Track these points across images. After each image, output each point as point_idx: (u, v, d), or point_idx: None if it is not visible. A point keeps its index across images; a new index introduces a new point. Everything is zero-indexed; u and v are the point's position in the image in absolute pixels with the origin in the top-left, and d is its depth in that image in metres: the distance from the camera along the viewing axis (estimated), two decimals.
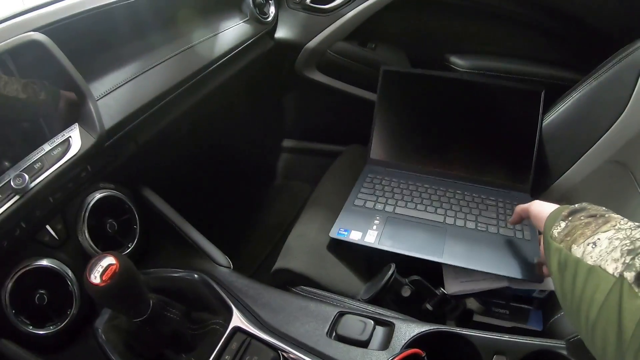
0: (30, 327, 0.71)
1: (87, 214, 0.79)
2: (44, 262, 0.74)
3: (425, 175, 1.21)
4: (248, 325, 0.70)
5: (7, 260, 0.70)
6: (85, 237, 0.79)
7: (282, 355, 0.66)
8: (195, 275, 0.80)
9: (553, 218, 0.69)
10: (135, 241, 0.86)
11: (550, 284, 0.90)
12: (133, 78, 0.87)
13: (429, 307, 0.89)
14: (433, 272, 0.96)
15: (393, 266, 0.89)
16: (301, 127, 1.69)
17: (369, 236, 1.00)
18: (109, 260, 0.59)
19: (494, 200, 1.12)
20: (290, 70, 1.44)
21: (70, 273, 0.76)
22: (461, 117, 1.22)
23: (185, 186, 1.01)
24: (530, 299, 0.96)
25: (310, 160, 1.69)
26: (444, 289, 0.91)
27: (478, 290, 0.94)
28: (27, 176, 0.66)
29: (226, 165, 1.39)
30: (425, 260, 0.95)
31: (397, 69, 1.25)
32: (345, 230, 1.01)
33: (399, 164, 1.24)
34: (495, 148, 1.19)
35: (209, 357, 0.65)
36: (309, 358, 0.67)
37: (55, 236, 0.78)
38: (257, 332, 0.69)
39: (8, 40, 0.68)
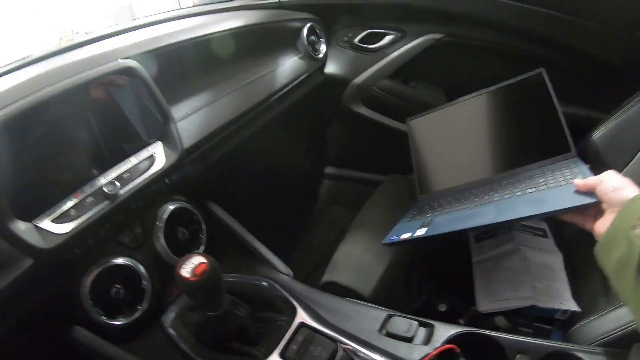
0: (104, 318, 0.80)
1: (163, 221, 0.91)
2: (123, 261, 0.84)
3: (469, 188, 1.19)
4: (311, 321, 0.80)
5: (91, 256, 0.81)
6: (160, 242, 0.90)
7: (341, 346, 0.75)
8: (264, 281, 0.90)
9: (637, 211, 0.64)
10: (202, 249, 0.97)
11: (572, 305, 0.97)
12: (206, 106, 1.00)
13: (461, 322, 0.97)
14: (466, 292, 1.05)
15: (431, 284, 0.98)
16: (343, 156, 1.78)
17: (419, 232, 1.00)
18: (200, 259, 0.70)
19: (542, 171, 1.08)
20: (337, 103, 1.56)
21: (144, 272, 0.86)
22: (485, 127, 1.25)
23: (240, 203, 1.12)
24: (553, 320, 1.01)
25: (350, 187, 1.78)
26: (476, 307, 1.00)
27: (507, 309, 1.01)
28: (118, 184, 0.79)
29: (275, 187, 1.50)
30: (461, 273, 1.04)
31: (419, 116, 1.34)
32: (396, 236, 1.03)
33: (444, 190, 1.25)
34: (527, 135, 1.20)
35: (277, 347, 0.75)
36: (364, 349, 0.76)
37: (134, 239, 0.89)
38: (319, 327, 0.79)
39: (106, 65, 0.81)
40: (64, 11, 7.08)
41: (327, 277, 1.07)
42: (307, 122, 1.61)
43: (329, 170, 1.82)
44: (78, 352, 0.81)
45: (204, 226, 0.98)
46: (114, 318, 0.82)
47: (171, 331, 0.83)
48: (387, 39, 1.51)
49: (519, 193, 0.98)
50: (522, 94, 1.21)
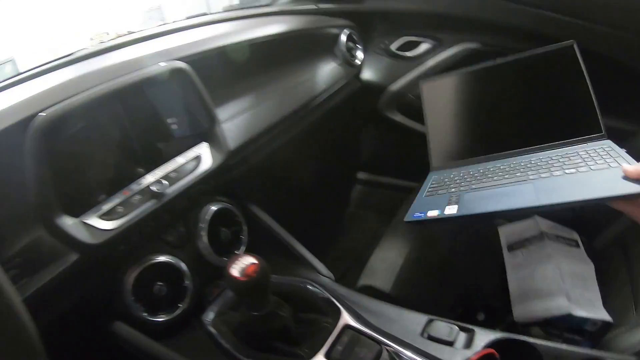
0: (145, 314, 0.82)
1: (207, 221, 0.92)
2: (166, 258, 0.86)
3: (494, 160, 1.11)
4: (355, 323, 0.80)
5: (135, 253, 0.83)
6: (203, 242, 0.91)
7: (385, 348, 0.76)
8: (306, 283, 0.92)
9: None
10: (242, 249, 0.99)
11: (605, 316, 0.96)
12: (248, 109, 1.02)
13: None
14: (503, 302, 1.05)
15: (467, 294, 0.98)
16: (375, 162, 1.79)
17: (449, 209, 0.90)
18: (251, 259, 0.71)
19: (574, 151, 1.03)
20: (372, 109, 1.57)
21: (186, 270, 0.88)
22: (508, 97, 1.18)
23: (277, 205, 1.13)
24: (583, 331, 1.01)
25: (382, 193, 1.78)
26: (512, 316, 1.00)
27: (543, 318, 1.01)
28: (166, 183, 0.80)
29: (309, 191, 1.51)
30: (495, 282, 1.02)
31: (436, 79, 1.25)
32: (420, 213, 0.93)
33: (464, 161, 1.15)
34: (555, 110, 1.12)
35: (322, 348, 0.76)
36: (407, 351, 0.77)
37: (178, 238, 0.91)
38: (364, 329, 0.80)
39: (158, 66, 0.84)
40: (94, 12, 7.20)
41: (363, 281, 1.08)
42: (342, 127, 1.62)
43: (361, 175, 1.83)
44: (118, 346, 0.82)
45: (245, 227, 0.99)
46: (155, 315, 0.83)
47: (212, 329, 0.84)
48: (423, 47, 1.52)
49: (557, 173, 0.92)
50: (550, 65, 1.15)
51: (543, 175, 0.93)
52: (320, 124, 1.31)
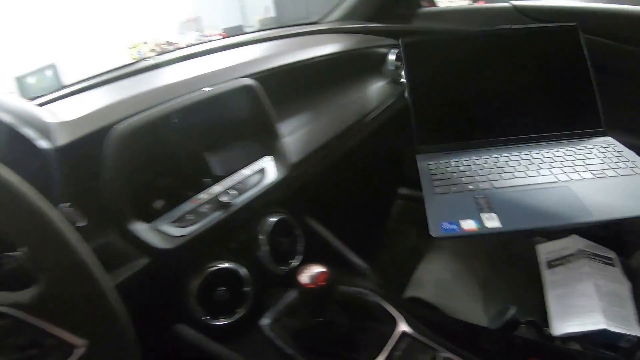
0: (206, 318, 0.86)
1: (267, 232, 0.96)
2: (229, 265, 0.89)
3: (492, 147, 1.06)
4: (411, 331, 0.84)
5: (201, 259, 0.87)
6: (264, 251, 0.95)
7: (440, 355, 0.79)
8: (363, 292, 0.95)
9: None
10: (299, 259, 1.02)
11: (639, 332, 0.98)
12: (304, 126, 1.07)
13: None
14: (541, 317, 1.07)
15: (514, 308, 1.00)
16: (417, 178, 1.80)
17: (489, 221, 0.81)
18: (320, 269, 0.76)
19: (584, 149, 1.02)
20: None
21: (247, 277, 0.91)
22: (507, 75, 1.11)
23: (326, 218, 1.17)
24: (617, 347, 1.01)
25: (422, 208, 1.78)
26: (549, 330, 1.03)
27: (579, 333, 1.02)
28: (234, 193, 0.85)
29: (354, 205, 1.55)
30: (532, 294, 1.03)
31: (420, 38, 1.15)
32: (450, 224, 0.82)
33: (456, 144, 1.09)
34: (553, 98, 1.09)
35: (380, 354, 0.79)
36: (458, 358, 0.80)
37: (240, 246, 0.95)
38: (419, 336, 0.83)
39: (230, 83, 0.90)
40: (131, 22, 7.36)
41: (410, 293, 1.11)
42: (387, 144, 1.65)
43: (402, 191, 1.85)
44: (179, 347, 0.86)
45: (301, 238, 1.03)
46: (215, 319, 0.87)
47: (271, 334, 0.88)
48: None
49: (586, 175, 0.92)
50: (551, 47, 1.11)
51: (572, 177, 0.93)
52: (367, 140, 1.34)
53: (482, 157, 1.03)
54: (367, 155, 1.53)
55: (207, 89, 0.86)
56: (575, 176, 0.93)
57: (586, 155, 1.01)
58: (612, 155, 1.00)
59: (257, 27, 8.04)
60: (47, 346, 0.45)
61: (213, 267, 0.87)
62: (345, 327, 0.84)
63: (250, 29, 8.10)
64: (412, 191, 1.83)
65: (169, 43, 7.44)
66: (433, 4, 1.74)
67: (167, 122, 0.80)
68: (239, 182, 0.89)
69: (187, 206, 0.82)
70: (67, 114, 0.78)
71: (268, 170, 0.93)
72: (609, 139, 1.05)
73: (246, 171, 0.91)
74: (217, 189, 0.86)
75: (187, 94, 0.85)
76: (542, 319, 1.07)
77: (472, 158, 1.03)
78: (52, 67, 6.69)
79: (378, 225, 1.81)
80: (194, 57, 1.17)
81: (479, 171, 0.98)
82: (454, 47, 1.15)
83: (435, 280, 1.15)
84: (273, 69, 1.05)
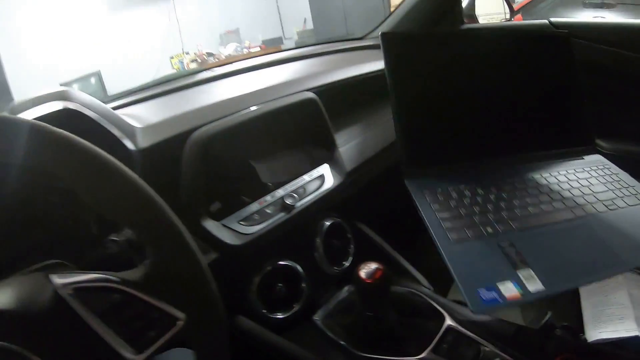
0: (265, 311, 0.93)
1: (323, 234, 1.04)
2: (288, 263, 0.97)
3: (486, 168, 1.00)
4: (457, 326, 0.90)
5: (263, 256, 0.95)
6: (319, 251, 1.02)
7: (484, 349, 0.85)
8: (411, 291, 1.01)
9: None
10: (350, 259, 1.09)
11: None
12: (357, 137, 1.14)
13: None
14: (577, 323, 1.11)
15: (549, 314, 1.05)
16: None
17: (530, 282, 0.75)
18: (377, 266, 0.82)
19: (583, 172, 1.00)
20: None
21: (304, 275, 0.99)
22: (492, 85, 1.03)
23: (375, 223, 1.23)
24: None
25: None
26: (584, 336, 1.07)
27: (613, 339, 1.06)
28: (296, 197, 0.93)
29: (398, 211, 1.61)
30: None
31: (403, 32, 1.10)
32: (488, 290, 0.72)
33: (447, 166, 0.99)
34: (542, 111, 1.04)
35: (429, 345, 0.86)
36: (500, 351, 0.86)
37: (298, 245, 1.01)
38: (464, 331, 0.89)
39: (295, 96, 0.99)
40: (173, 33, 7.54)
41: (452, 296, 1.17)
42: None
43: None
44: (237, 338, 0.92)
45: (352, 240, 1.10)
46: (273, 312, 0.94)
47: (324, 328, 0.94)
48: None
49: (600, 209, 0.91)
50: (541, 54, 1.05)
51: (587, 209, 0.91)
52: None
53: (482, 182, 0.95)
54: None
55: (274, 101, 0.95)
56: (589, 208, 0.91)
57: (589, 180, 0.99)
58: (612, 180, 1.00)
59: (296, 39, 8.16)
60: (153, 319, 0.52)
61: (273, 264, 0.95)
62: (395, 322, 0.90)
63: (289, 40, 8.22)
64: None
65: (210, 54, 7.62)
66: (475, 21, 1.79)
67: (239, 130, 0.88)
68: (300, 187, 0.96)
69: (254, 207, 0.90)
70: (146, 118, 0.88)
71: (326, 176, 1.01)
72: (599, 157, 1.05)
73: (306, 177, 0.99)
74: (280, 192, 0.94)
75: (256, 104, 0.93)
76: (577, 325, 1.12)
77: (472, 184, 0.94)
78: (97, 74, 6.91)
79: (423, 232, 1.85)
80: (252, 70, 1.26)
81: (488, 204, 0.89)
82: (440, 47, 1.03)
83: None
84: (332, 83, 1.13)
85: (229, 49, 7.75)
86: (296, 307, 0.97)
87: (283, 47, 8.08)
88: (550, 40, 1.08)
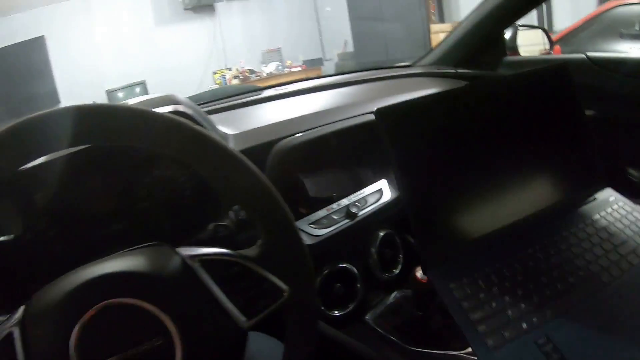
0: (323, 308, 1.03)
1: (377, 243, 1.13)
2: (347, 265, 1.07)
3: (505, 242, 0.89)
4: None
5: (327, 257, 1.04)
6: (374, 258, 1.12)
7: None
8: None
9: None
10: (399, 268, 1.20)
11: None
12: None
13: None
14: None
15: None
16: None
17: None
18: None
19: (600, 218, 0.93)
20: None
21: (359, 277, 1.08)
22: (497, 142, 0.93)
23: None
24: None
25: None
26: None
27: None
28: (360, 206, 1.04)
29: None
30: None
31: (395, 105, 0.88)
32: None
33: (469, 244, 0.88)
34: (552, 160, 0.98)
35: (467, 347, 0.92)
36: None
37: (356, 250, 1.12)
38: None
39: (360, 117, 1.11)
40: (217, 48, 7.75)
41: None
42: None
43: None
44: None
45: (402, 251, 1.20)
46: (330, 310, 1.04)
47: (375, 326, 1.05)
48: None
49: (613, 269, 0.81)
50: (541, 96, 0.98)
51: (614, 273, 0.82)
52: None
53: (505, 258, 0.85)
54: None
55: (343, 121, 1.08)
56: (616, 272, 0.82)
57: (608, 229, 0.91)
58: (623, 218, 0.94)
59: (336, 61, 8.31)
60: (263, 290, 0.62)
61: (334, 265, 1.05)
62: (440, 322, 1.00)
63: (329, 62, 8.37)
64: None
65: (252, 71, 7.83)
66: (517, 53, 1.89)
67: (315, 144, 1.01)
68: (362, 198, 1.08)
69: (322, 212, 1.02)
70: (234, 126, 1.02)
71: (384, 190, 1.12)
72: (610, 191, 1.00)
73: (367, 190, 1.11)
74: (345, 201, 1.05)
75: (327, 122, 1.06)
76: None
77: (495, 263, 0.84)
78: (142, 84, 7.16)
79: None
80: (315, 91, 1.38)
81: (517, 289, 0.79)
82: (440, 111, 0.90)
83: None
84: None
85: (270, 67, 7.96)
86: (351, 307, 1.07)
87: (323, 68, 8.25)
88: (551, 79, 1.00)
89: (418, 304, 0.99)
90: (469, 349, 0.92)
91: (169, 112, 0.82)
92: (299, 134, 0.99)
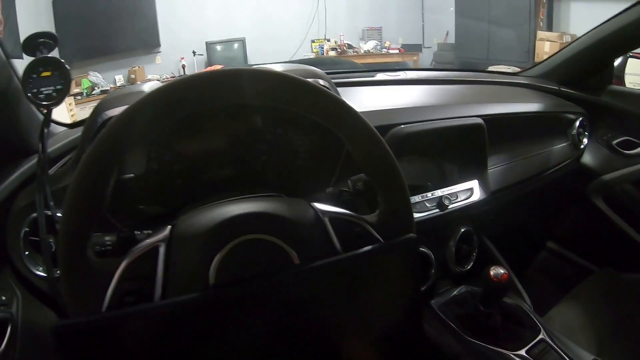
0: None
1: (456, 239, 1.22)
2: (427, 251, 1.16)
3: None
4: (548, 339, 1.04)
5: None
6: (451, 251, 1.21)
7: None
8: (517, 303, 1.16)
9: None
10: (471, 264, 1.27)
11: None
12: (498, 166, 1.31)
13: None
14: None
15: None
16: (566, 236, 1.95)
17: None
18: (504, 270, 0.98)
19: None
20: (580, 190, 1.75)
21: (434, 263, 1.17)
22: None
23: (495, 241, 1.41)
24: None
25: (562, 265, 1.91)
26: None
27: None
28: (451, 199, 1.12)
29: (506, 240, 1.74)
30: None
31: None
32: None
33: None
34: None
35: (525, 347, 1.01)
36: None
37: (436, 240, 1.21)
38: (552, 344, 1.03)
39: (469, 119, 1.18)
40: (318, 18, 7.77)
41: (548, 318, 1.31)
42: (549, 198, 1.82)
43: (550, 244, 1.98)
44: None
45: (476, 249, 1.27)
46: None
47: (439, 312, 1.13)
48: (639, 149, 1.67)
49: None
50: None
51: None
52: (538, 191, 1.53)
53: None
54: (533, 204, 1.73)
55: (452, 119, 1.15)
56: None
57: None
58: None
59: (435, 50, 8.21)
60: None
61: (418, 248, 1.13)
62: (499, 322, 1.06)
63: (428, 49, 8.28)
64: (557, 246, 1.96)
65: (350, 46, 7.86)
66: (622, 84, 1.87)
67: (424, 135, 1.09)
68: (454, 193, 1.16)
69: (416, 198, 1.10)
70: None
71: (475, 190, 1.20)
72: None
73: (459, 187, 1.18)
74: (438, 192, 1.13)
75: (438, 117, 1.14)
76: None
77: None
78: (241, 41, 7.31)
79: (521, 264, 1.97)
80: (421, 84, 1.48)
81: None
82: None
83: (562, 323, 1.34)
84: (495, 115, 1.30)
85: (369, 45, 7.96)
86: (422, 289, 1.15)
87: (421, 55, 8.18)
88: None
89: (483, 301, 1.06)
90: (522, 351, 1.00)
91: None
92: (413, 124, 1.07)
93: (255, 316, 0.64)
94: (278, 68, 0.97)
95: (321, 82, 0.95)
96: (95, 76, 6.24)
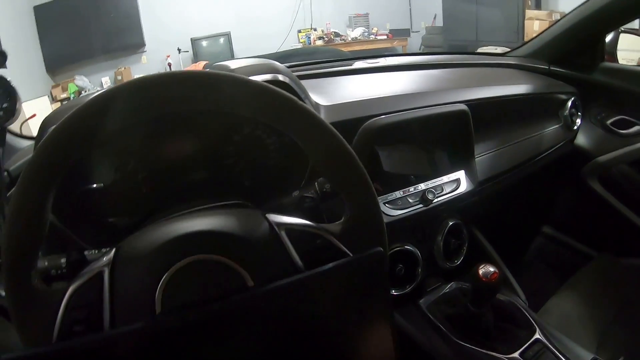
0: None
1: (444, 233, 1.14)
2: (412, 248, 1.08)
3: None
4: (544, 340, 0.98)
5: (394, 238, 1.04)
6: (438, 246, 1.14)
7: None
8: (511, 300, 1.10)
9: None
10: (461, 259, 1.20)
11: None
12: (486, 153, 1.24)
13: None
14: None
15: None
16: (562, 220, 1.90)
17: None
18: (494, 269, 0.92)
19: None
20: (575, 173, 1.70)
21: (421, 262, 1.10)
22: None
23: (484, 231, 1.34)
24: None
25: (560, 251, 1.87)
26: None
27: None
28: (435, 193, 1.05)
29: (501, 230, 1.69)
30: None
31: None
32: None
33: None
34: None
35: (518, 349, 0.95)
36: None
37: (422, 236, 1.13)
38: (549, 345, 0.97)
39: (450, 106, 1.10)
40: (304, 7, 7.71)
41: (543, 314, 1.25)
42: (543, 182, 1.76)
43: (545, 229, 1.93)
44: None
45: (466, 242, 1.21)
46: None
47: (427, 313, 1.06)
48: (635, 129, 1.63)
49: None
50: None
51: None
52: (531, 176, 1.47)
53: None
54: (526, 189, 1.66)
55: (432, 107, 1.08)
56: None
57: None
58: None
59: (423, 34, 8.16)
60: None
61: (401, 246, 1.07)
62: (491, 323, 1.00)
63: (416, 33, 8.24)
64: (554, 231, 1.91)
65: (337, 34, 7.80)
66: (615, 60, 1.81)
67: (401, 126, 1.02)
68: (438, 186, 1.09)
69: (398, 194, 1.03)
70: (324, 97, 1.04)
71: (461, 181, 1.13)
72: None
73: (445, 178, 1.11)
74: (422, 186, 1.06)
75: (417, 106, 1.06)
76: None
77: None
78: (227, 35, 7.26)
79: (516, 254, 1.93)
80: (408, 69, 1.39)
81: None
82: None
83: (561, 315, 1.28)
84: (480, 99, 1.23)
85: (356, 32, 7.90)
86: (408, 288, 1.09)
87: (409, 39, 8.12)
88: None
89: (474, 300, 0.99)
90: (516, 354, 0.94)
91: (268, 80, 0.87)
92: (389, 115, 1.00)
93: (209, 345, 0.57)
94: (235, 65, 0.90)
95: (280, 77, 0.90)
96: (81, 80, 6.27)
